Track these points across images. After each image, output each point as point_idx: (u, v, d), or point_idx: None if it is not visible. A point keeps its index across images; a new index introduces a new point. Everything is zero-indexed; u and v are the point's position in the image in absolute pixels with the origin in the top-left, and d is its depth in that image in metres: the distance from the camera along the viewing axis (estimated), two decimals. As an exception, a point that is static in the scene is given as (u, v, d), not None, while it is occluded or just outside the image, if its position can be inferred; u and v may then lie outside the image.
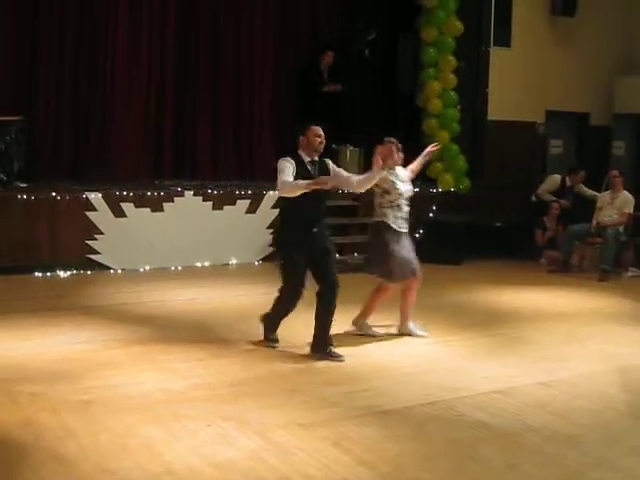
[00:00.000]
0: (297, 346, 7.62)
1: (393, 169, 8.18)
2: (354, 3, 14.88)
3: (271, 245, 8.05)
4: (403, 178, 8.31)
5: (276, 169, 7.52)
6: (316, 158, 7.66)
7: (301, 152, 7.61)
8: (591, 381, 7.06)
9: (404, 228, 8.21)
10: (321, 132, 7.64)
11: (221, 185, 12.58)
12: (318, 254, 7.54)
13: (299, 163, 7.51)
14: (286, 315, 7.76)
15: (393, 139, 8.21)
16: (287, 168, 7.41)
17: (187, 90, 13.69)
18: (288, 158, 7.52)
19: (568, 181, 13.93)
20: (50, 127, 12.64)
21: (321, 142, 7.60)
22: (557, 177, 14.05)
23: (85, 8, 12.75)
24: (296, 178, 7.38)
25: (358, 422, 5.84)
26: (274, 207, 12.40)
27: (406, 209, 8.23)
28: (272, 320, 7.82)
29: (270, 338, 7.79)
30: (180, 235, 11.83)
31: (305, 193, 7.26)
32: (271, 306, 7.78)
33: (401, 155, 8.27)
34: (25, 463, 4.96)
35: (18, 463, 4.95)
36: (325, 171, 7.67)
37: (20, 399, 6.07)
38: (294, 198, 7.35)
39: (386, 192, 8.14)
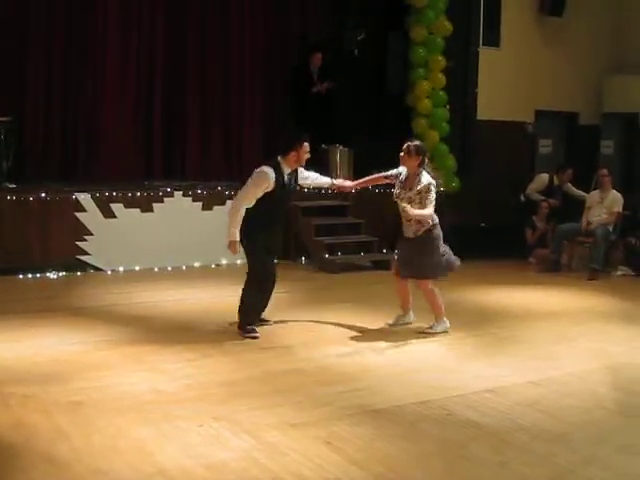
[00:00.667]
0: (288, 347, 7.62)
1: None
2: (343, 3, 14.87)
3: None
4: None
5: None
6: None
7: (284, 164, 7.99)
8: (581, 380, 7.08)
9: (407, 233, 8.36)
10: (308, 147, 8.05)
11: (210, 185, 12.57)
12: None
13: (279, 174, 7.91)
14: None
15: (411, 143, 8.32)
16: (258, 188, 7.87)
17: (176, 90, 13.68)
18: (269, 171, 7.88)
19: (556, 180, 13.97)
20: (39, 127, 12.61)
21: (308, 158, 8.10)
22: (545, 176, 14.09)
23: (74, 7, 12.73)
24: (273, 188, 7.87)
25: (350, 422, 5.84)
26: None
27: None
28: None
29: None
30: (170, 236, 11.82)
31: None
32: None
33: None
34: (16, 465, 4.95)
35: (9, 465, 4.94)
36: (295, 179, 8.21)
37: (11, 401, 6.06)
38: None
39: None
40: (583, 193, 13.65)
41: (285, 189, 8.04)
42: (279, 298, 8.83)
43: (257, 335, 7.99)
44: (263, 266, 8.18)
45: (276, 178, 7.87)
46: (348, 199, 12.74)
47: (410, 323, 8.69)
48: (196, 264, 11.98)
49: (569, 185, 13.98)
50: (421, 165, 8.16)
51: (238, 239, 7.95)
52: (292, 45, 14.60)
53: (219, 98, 14.00)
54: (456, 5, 14.17)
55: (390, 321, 8.69)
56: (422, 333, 8.37)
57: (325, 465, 5.07)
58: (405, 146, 8.19)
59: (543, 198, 13.78)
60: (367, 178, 8.85)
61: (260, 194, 7.87)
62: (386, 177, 8.53)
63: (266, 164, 8.01)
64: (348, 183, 9.01)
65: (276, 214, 8.14)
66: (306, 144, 7.98)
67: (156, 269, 11.62)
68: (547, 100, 15.58)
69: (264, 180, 7.85)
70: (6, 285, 10.24)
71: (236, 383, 6.68)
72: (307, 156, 8.05)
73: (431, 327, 8.47)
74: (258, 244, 8.06)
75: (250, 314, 8.17)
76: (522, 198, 14.09)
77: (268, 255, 8.23)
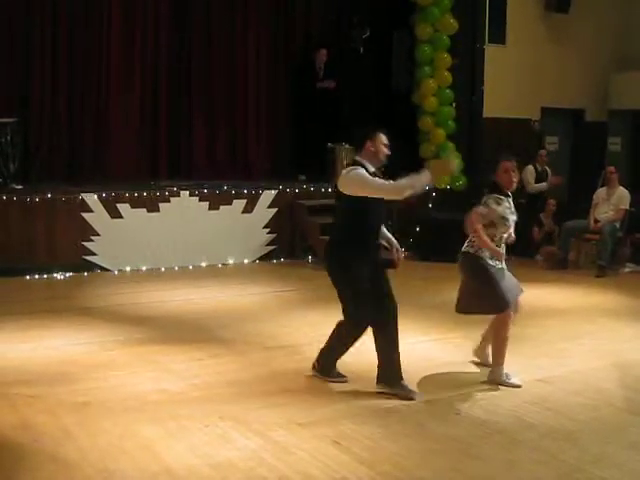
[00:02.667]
0: (294, 346, 7.61)
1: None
2: (348, 1, 14.86)
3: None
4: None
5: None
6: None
7: (365, 161, 6.58)
8: (589, 377, 7.06)
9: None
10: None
11: (217, 185, 12.57)
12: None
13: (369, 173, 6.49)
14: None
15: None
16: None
17: (182, 90, 13.70)
18: (361, 168, 6.47)
19: (538, 166, 13.97)
20: (45, 128, 12.64)
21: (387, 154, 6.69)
22: (530, 167, 14.05)
23: (79, 8, 12.74)
24: None
25: (357, 421, 5.83)
26: (270, 207, 12.44)
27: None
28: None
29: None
30: (176, 235, 11.83)
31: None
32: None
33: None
34: (23, 465, 4.95)
35: (16, 465, 4.94)
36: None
37: (17, 401, 6.06)
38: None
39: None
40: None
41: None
42: (285, 297, 8.84)
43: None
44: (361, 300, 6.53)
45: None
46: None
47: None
48: (203, 264, 11.98)
49: (546, 168, 14.14)
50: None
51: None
52: (297, 43, 14.60)
53: (224, 97, 14.00)
54: (461, 2, 14.16)
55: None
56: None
57: (332, 464, 5.05)
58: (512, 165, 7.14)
59: (544, 185, 13.79)
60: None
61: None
62: None
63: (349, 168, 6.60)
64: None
65: (375, 225, 6.66)
66: (382, 135, 6.71)
67: (163, 269, 11.62)
68: (553, 97, 15.55)
69: (361, 171, 6.43)
70: (13, 286, 10.24)
71: (243, 382, 6.67)
72: (386, 151, 6.64)
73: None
74: (356, 271, 6.50)
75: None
76: (522, 201, 14.05)
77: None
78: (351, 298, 6.52)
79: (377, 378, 6.59)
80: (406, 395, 6.40)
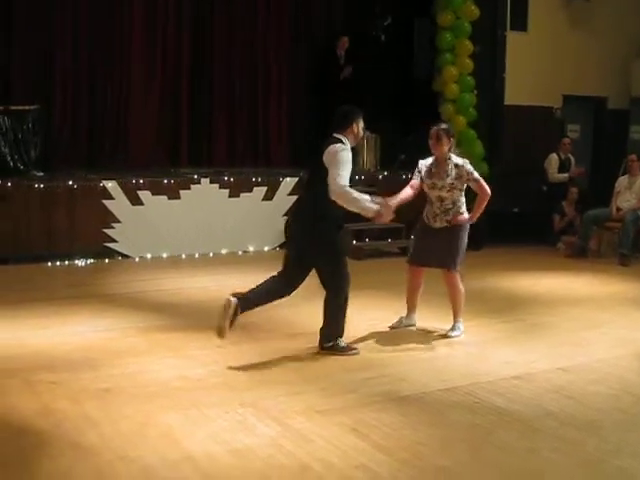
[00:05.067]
0: (314, 333, 7.61)
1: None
2: (369, -12, 14.83)
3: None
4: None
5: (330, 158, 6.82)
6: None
7: (347, 140, 6.96)
8: (610, 366, 7.02)
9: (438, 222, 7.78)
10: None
11: (237, 172, 12.58)
12: None
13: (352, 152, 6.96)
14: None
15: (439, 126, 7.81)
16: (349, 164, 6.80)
17: (203, 78, 13.73)
18: (348, 147, 6.88)
19: (562, 154, 13.94)
20: (67, 116, 12.71)
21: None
22: (554, 155, 14.04)
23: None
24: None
25: (376, 408, 5.83)
26: (291, 194, 12.44)
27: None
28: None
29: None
30: (197, 223, 11.87)
31: None
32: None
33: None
34: (44, 451, 4.98)
35: (37, 451, 4.97)
36: None
37: (39, 388, 6.09)
38: None
39: None
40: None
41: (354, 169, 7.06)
42: (305, 284, 8.77)
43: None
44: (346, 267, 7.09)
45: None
46: (375, 184, 12.68)
47: (414, 325, 8.11)
48: (223, 251, 12.02)
49: (569, 156, 14.15)
50: (451, 149, 7.67)
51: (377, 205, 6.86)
52: (318, 31, 14.58)
53: (245, 84, 14.03)
54: (483, -11, 14.08)
55: (392, 323, 8.09)
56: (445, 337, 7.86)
57: (351, 452, 5.06)
58: (434, 132, 7.60)
59: (567, 176, 13.77)
60: (399, 199, 7.51)
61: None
62: (412, 187, 7.71)
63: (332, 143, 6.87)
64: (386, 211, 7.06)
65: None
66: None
67: (183, 256, 11.67)
68: (575, 84, 15.46)
69: (349, 156, 6.82)
70: (33, 272, 10.30)
71: (262, 370, 6.68)
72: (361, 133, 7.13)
73: (452, 330, 7.85)
74: (337, 241, 7.01)
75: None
76: (544, 188, 14.00)
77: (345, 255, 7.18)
78: (336, 264, 6.97)
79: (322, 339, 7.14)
80: (347, 350, 7.08)
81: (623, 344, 7.74)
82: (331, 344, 7.11)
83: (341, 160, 6.71)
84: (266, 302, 7.06)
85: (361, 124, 7.06)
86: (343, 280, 7.01)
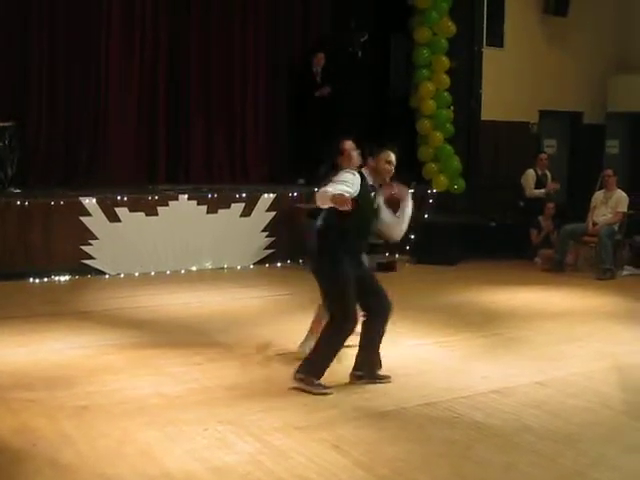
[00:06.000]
0: (294, 350, 7.60)
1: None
2: (345, 4, 14.86)
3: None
4: None
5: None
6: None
7: (365, 171, 6.75)
8: (587, 380, 7.05)
9: None
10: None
11: (215, 188, 12.57)
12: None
13: (362, 178, 6.61)
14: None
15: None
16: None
17: (180, 93, 13.69)
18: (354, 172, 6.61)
19: (538, 170, 14.04)
20: (43, 132, 12.62)
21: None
22: (530, 170, 14.11)
23: (77, 11, 12.72)
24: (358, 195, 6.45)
25: (355, 424, 5.83)
26: (269, 210, 12.44)
27: None
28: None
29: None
30: (175, 239, 11.83)
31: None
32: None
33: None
34: (21, 470, 4.94)
35: (14, 470, 4.93)
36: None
37: (15, 405, 6.05)
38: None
39: None
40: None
41: (370, 201, 6.68)
42: (283, 300, 8.84)
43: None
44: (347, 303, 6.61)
45: (361, 183, 6.54)
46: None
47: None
48: (201, 267, 11.98)
49: (546, 172, 14.24)
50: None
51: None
52: (295, 46, 14.60)
53: (223, 101, 13.99)
54: (459, 6, 14.17)
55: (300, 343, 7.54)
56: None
57: (331, 468, 5.05)
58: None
59: (543, 192, 13.85)
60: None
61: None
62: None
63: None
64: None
65: (363, 230, 6.75)
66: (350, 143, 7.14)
67: (162, 272, 11.61)
68: (551, 100, 15.56)
69: (349, 177, 6.49)
70: (11, 289, 10.23)
71: (241, 386, 6.66)
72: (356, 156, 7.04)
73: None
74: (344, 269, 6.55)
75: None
76: (521, 203, 14.06)
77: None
78: (332, 298, 6.64)
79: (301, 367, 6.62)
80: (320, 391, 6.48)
81: (600, 357, 7.78)
82: (303, 377, 6.59)
83: (340, 177, 6.46)
84: (374, 343, 6.85)
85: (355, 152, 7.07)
86: (342, 316, 6.57)
